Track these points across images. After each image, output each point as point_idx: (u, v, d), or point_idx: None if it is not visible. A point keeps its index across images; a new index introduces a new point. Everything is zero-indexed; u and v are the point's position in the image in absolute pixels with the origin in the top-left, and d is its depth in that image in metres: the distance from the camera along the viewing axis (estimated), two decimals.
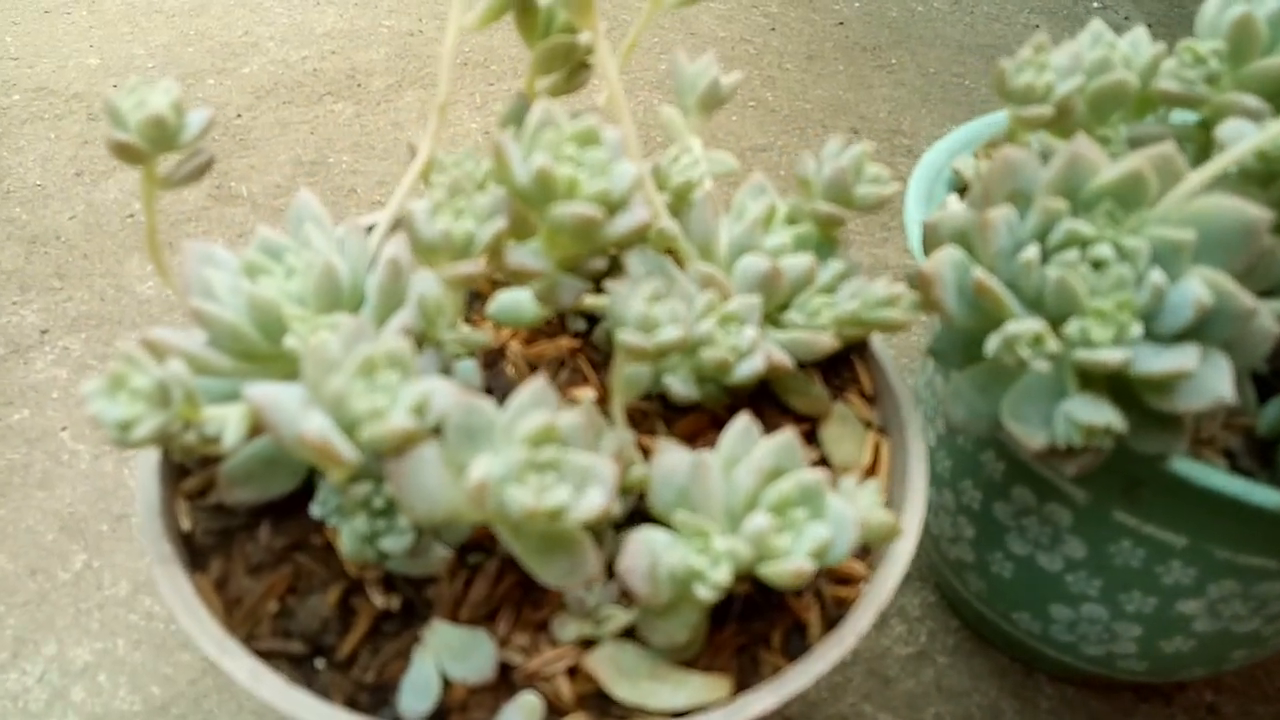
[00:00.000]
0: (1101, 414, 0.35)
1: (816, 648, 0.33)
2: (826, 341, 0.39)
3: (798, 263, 0.39)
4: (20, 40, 1.22)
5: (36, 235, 0.92)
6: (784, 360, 0.39)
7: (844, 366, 0.46)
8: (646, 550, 0.30)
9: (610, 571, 0.33)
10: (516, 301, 0.39)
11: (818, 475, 0.31)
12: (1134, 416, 0.38)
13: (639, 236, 0.31)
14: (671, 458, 0.31)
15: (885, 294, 0.39)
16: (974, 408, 0.40)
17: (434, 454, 0.26)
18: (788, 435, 0.32)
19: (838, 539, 0.30)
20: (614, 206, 0.30)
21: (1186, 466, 0.39)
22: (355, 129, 1.10)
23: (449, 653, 0.34)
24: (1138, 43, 0.42)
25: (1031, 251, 0.37)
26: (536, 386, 0.27)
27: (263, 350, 0.34)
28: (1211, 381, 0.35)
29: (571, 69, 0.46)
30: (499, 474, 0.25)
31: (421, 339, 0.36)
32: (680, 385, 0.37)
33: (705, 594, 0.29)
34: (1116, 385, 0.38)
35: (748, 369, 0.37)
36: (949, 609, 0.65)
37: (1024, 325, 0.35)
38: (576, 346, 0.43)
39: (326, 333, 0.28)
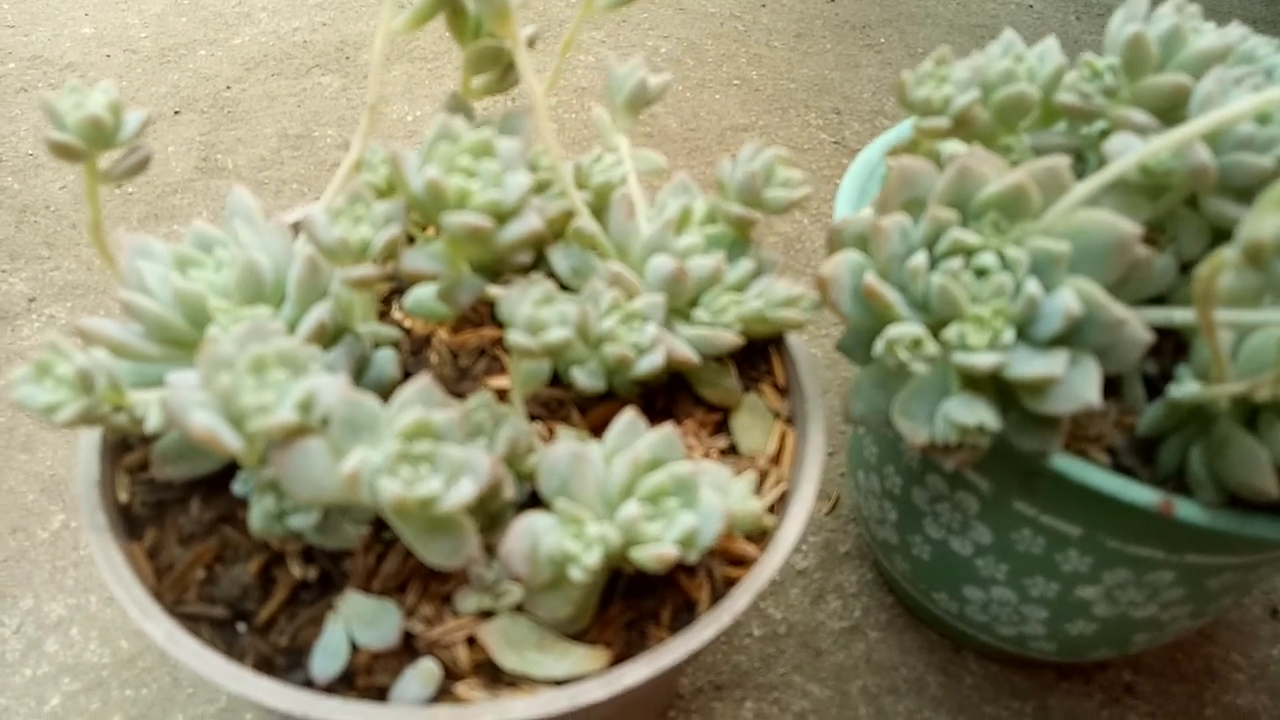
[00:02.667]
0: (975, 414, 0.38)
1: (694, 625, 0.36)
2: (729, 338, 0.41)
3: (705, 263, 0.41)
4: (17, 8, 1.24)
5: (27, 204, 0.94)
6: (689, 355, 0.41)
7: (761, 359, 0.48)
8: (528, 534, 0.32)
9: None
10: (426, 298, 0.41)
11: (690, 467, 0.33)
12: (1014, 416, 0.40)
13: (531, 243, 0.33)
14: (556, 449, 0.33)
15: (786, 294, 0.42)
16: (872, 403, 0.43)
17: (319, 445, 0.29)
18: (667, 430, 0.34)
19: (704, 528, 0.33)
20: (506, 215, 0.32)
21: (1066, 463, 0.41)
22: (342, 103, 1.12)
23: (359, 620, 0.36)
24: (1046, 54, 0.44)
25: (919, 259, 0.39)
26: (420, 384, 0.30)
27: (190, 338, 0.37)
28: (1079, 387, 0.37)
29: (503, 69, 0.47)
30: (374, 465, 0.28)
31: (340, 330, 0.38)
32: (586, 378, 0.40)
33: (578, 575, 0.31)
34: (999, 387, 0.40)
35: (648, 364, 0.39)
36: (884, 586, 0.68)
37: (904, 329, 0.38)
38: (499, 336, 0.45)
39: (221, 331, 0.31)
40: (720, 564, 0.40)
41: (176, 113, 1.08)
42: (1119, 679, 0.64)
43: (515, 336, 0.32)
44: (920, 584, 0.59)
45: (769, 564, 0.38)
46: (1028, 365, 0.37)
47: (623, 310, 0.39)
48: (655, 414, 0.45)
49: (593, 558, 0.31)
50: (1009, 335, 0.37)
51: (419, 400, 0.29)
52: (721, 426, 0.45)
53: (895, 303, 0.39)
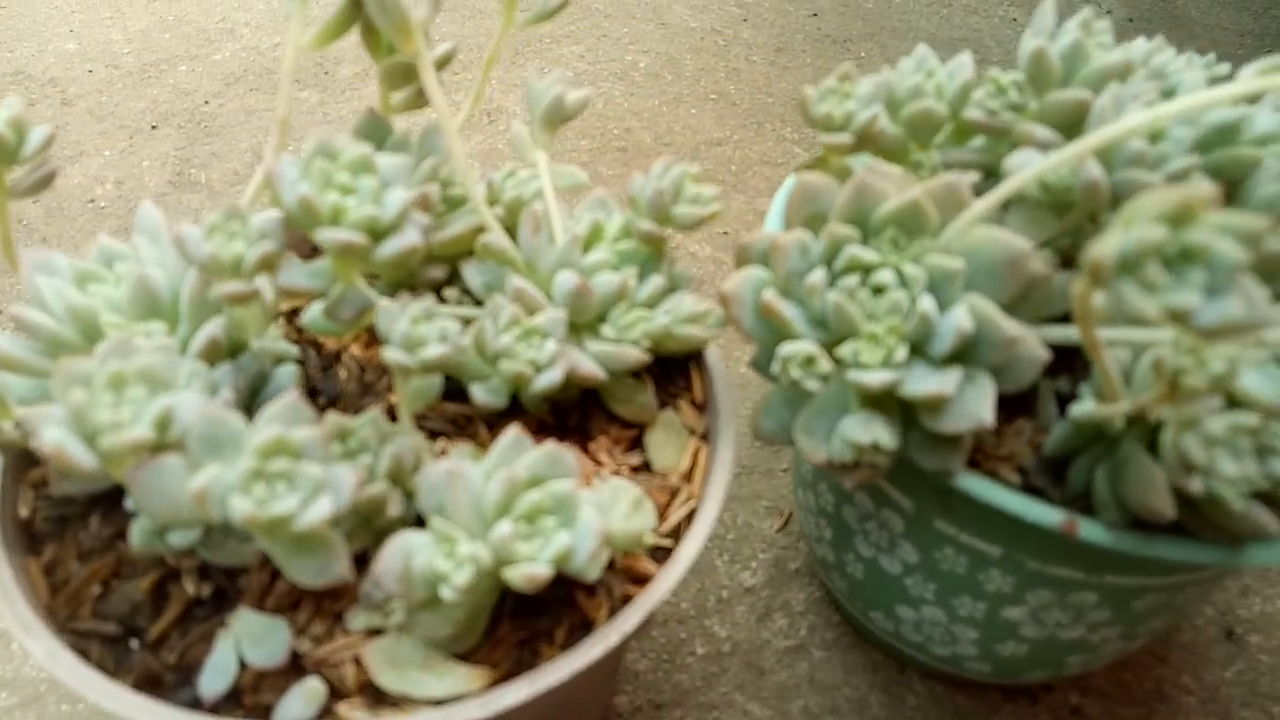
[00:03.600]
0: (870, 432, 0.37)
1: (580, 645, 0.36)
2: (635, 354, 0.41)
3: (611, 279, 0.41)
4: (3, 24, 1.25)
5: None
6: (594, 371, 0.41)
7: (680, 376, 0.48)
8: (402, 552, 0.32)
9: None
10: (318, 315, 0.41)
11: (569, 486, 0.33)
12: (917, 435, 0.40)
13: (410, 259, 0.33)
14: (435, 467, 0.33)
15: (692, 310, 0.41)
16: (781, 420, 0.42)
17: (178, 463, 0.29)
18: (550, 447, 0.34)
19: (580, 547, 0.32)
20: (384, 231, 0.32)
21: (971, 482, 0.41)
22: (318, 117, 1.13)
23: (249, 638, 0.36)
24: (956, 70, 0.44)
25: (817, 275, 0.38)
26: (285, 401, 0.30)
27: (84, 354, 0.37)
28: (973, 405, 0.37)
29: (420, 85, 0.47)
30: (227, 483, 0.28)
31: (238, 347, 0.38)
32: (485, 394, 0.40)
33: (448, 594, 0.31)
34: (902, 406, 0.39)
35: (546, 381, 0.39)
36: (832, 605, 0.67)
37: (797, 347, 0.37)
38: None
39: (74, 355, 0.31)
40: (622, 582, 0.40)
41: (154, 127, 1.09)
42: (1066, 701, 0.63)
43: (391, 353, 0.32)
44: (858, 603, 0.58)
45: (663, 583, 0.38)
46: (921, 383, 0.37)
47: (522, 326, 0.39)
48: (568, 430, 0.45)
49: (463, 577, 0.31)
50: (902, 353, 0.37)
51: (281, 417, 0.29)
52: (637, 443, 0.45)
53: (792, 320, 0.39)
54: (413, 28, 0.40)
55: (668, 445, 0.45)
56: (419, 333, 0.33)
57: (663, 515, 0.42)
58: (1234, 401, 0.34)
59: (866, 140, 0.42)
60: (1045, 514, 0.40)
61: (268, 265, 0.32)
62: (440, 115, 0.42)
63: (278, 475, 0.28)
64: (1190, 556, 0.38)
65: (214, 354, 0.36)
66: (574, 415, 0.45)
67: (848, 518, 0.54)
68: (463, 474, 0.32)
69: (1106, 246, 0.24)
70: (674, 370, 0.48)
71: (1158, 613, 0.48)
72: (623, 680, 0.62)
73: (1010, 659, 0.53)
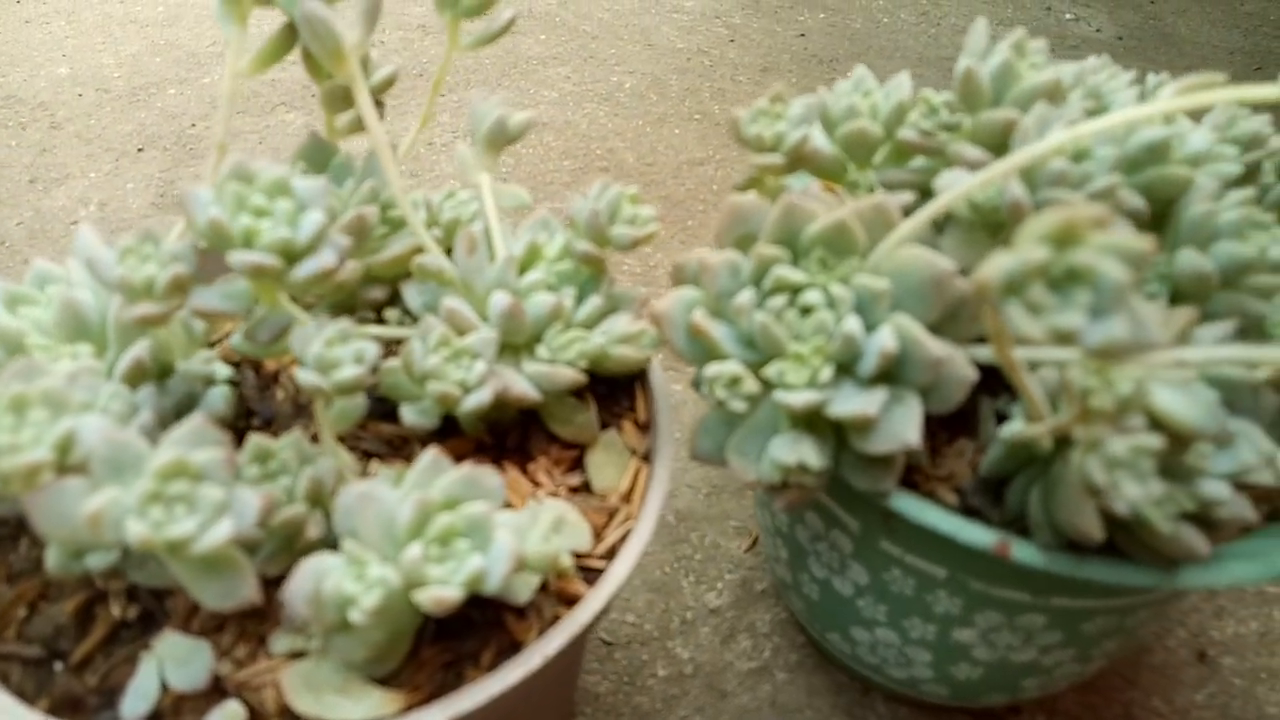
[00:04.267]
0: (796, 453, 0.37)
1: (502, 667, 0.35)
2: (569, 375, 0.41)
3: (544, 299, 0.41)
4: None
5: None
6: (528, 392, 0.41)
7: (625, 396, 0.48)
8: (313, 575, 0.32)
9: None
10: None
11: (484, 509, 0.33)
12: (850, 456, 0.39)
13: (324, 280, 0.33)
14: (350, 489, 0.33)
15: (625, 331, 0.41)
16: (717, 440, 0.42)
17: (78, 486, 0.29)
18: (467, 469, 0.34)
19: (492, 570, 0.32)
20: (299, 254, 0.33)
21: (905, 503, 0.40)
22: (303, 139, 1.14)
23: (172, 661, 0.36)
24: (893, 90, 0.44)
25: (745, 296, 0.38)
26: (192, 424, 0.30)
27: None
28: (899, 426, 0.36)
29: None
30: (124, 505, 0.28)
31: (167, 369, 0.38)
32: (414, 415, 0.40)
33: (357, 617, 0.31)
34: (836, 427, 0.39)
35: (473, 402, 0.39)
36: (797, 626, 0.67)
37: (722, 367, 0.37)
38: None
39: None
40: (554, 604, 0.40)
41: (140, 150, 1.10)
42: None
43: (304, 375, 0.32)
44: (816, 624, 0.58)
45: (590, 605, 0.38)
46: (846, 404, 0.36)
47: (451, 347, 0.39)
48: (506, 451, 0.45)
49: (371, 600, 0.31)
50: (827, 373, 0.37)
51: (185, 440, 0.29)
52: (578, 463, 0.45)
53: (721, 340, 0.38)
54: (346, 52, 0.40)
55: (608, 466, 0.44)
56: (333, 355, 0.33)
57: (599, 536, 0.42)
58: (1157, 423, 0.33)
59: (803, 160, 0.42)
60: (978, 535, 0.39)
61: (179, 288, 0.32)
62: (375, 138, 0.42)
63: (177, 498, 0.28)
64: (1124, 579, 0.38)
65: (138, 376, 0.36)
66: (514, 435, 0.45)
67: (800, 538, 0.53)
68: (374, 496, 0.32)
69: (991, 268, 0.24)
70: (619, 390, 0.48)
71: (1110, 635, 0.48)
72: (582, 703, 0.62)
73: (966, 682, 0.52)
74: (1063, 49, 1.45)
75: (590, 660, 0.64)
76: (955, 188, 0.36)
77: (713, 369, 0.37)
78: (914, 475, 0.43)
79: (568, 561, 0.34)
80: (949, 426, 0.45)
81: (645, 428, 0.47)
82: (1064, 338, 0.24)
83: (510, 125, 0.47)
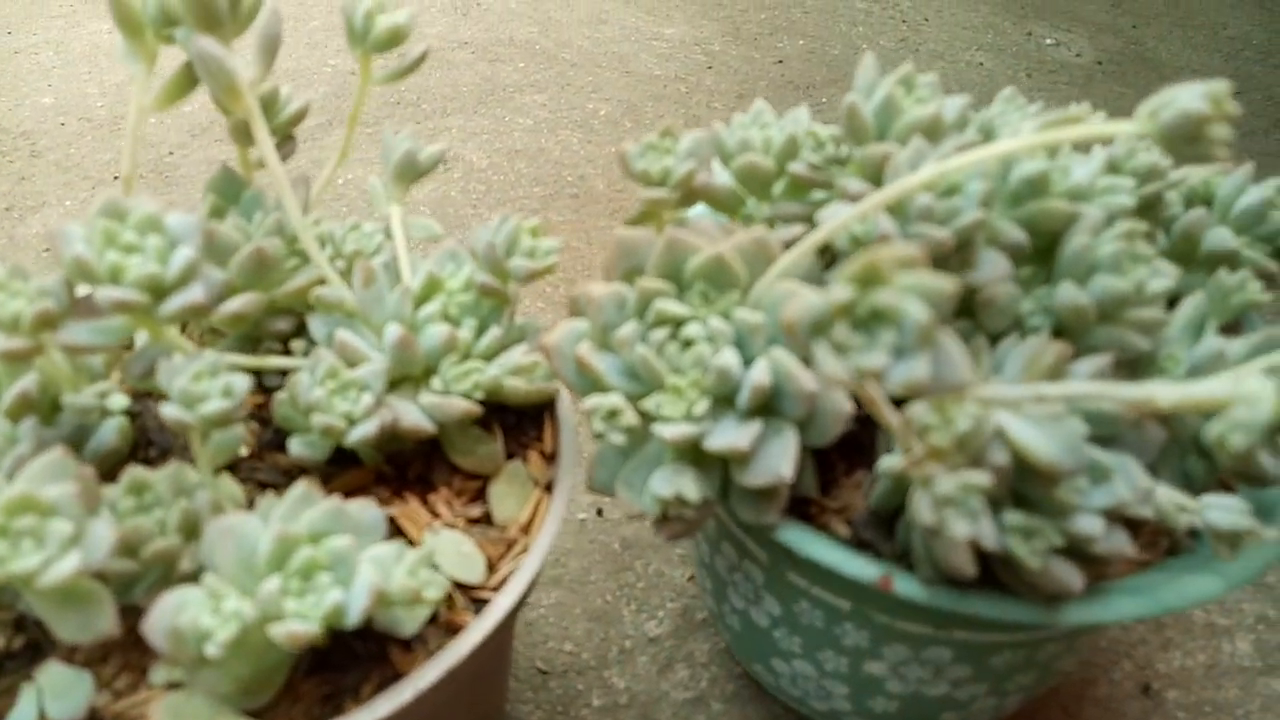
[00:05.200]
0: (673, 485, 0.37)
1: (373, 701, 0.35)
2: (460, 406, 0.42)
3: (437, 331, 0.42)
4: None
5: None
6: (419, 424, 0.41)
7: (534, 425, 0.48)
8: (171, 609, 0.32)
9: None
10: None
11: (347, 543, 0.33)
12: (736, 488, 0.40)
13: (194, 314, 0.33)
14: (215, 522, 0.33)
15: (518, 363, 0.42)
16: (612, 471, 0.42)
17: None
18: (333, 502, 0.34)
19: (352, 605, 0.32)
20: (168, 289, 0.33)
21: (790, 535, 0.40)
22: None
23: (52, 691, 0.36)
24: (788, 123, 0.44)
25: (628, 328, 0.39)
26: (49, 457, 0.30)
27: None
28: (774, 460, 0.36)
29: (278, 141, 0.49)
30: None
31: (55, 403, 0.39)
32: (300, 448, 0.40)
33: (212, 651, 0.31)
34: (724, 459, 0.39)
35: (358, 435, 0.39)
36: (734, 656, 0.66)
37: (600, 399, 0.37)
38: (261, 402, 0.46)
39: None
40: (441, 636, 0.40)
41: (116, 178, 1.12)
42: None
43: (169, 410, 0.33)
44: (741, 655, 0.58)
45: (468, 639, 0.38)
46: (721, 437, 0.37)
47: (339, 379, 0.39)
48: (408, 481, 0.45)
49: (227, 633, 0.31)
50: (702, 406, 0.37)
51: (38, 475, 0.30)
52: (481, 494, 0.45)
53: (604, 372, 0.39)
54: (241, 89, 0.41)
55: (509, 497, 0.45)
56: (199, 389, 0.33)
57: (494, 568, 0.42)
58: (1020, 459, 0.33)
59: (696, 194, 0.42)
60: (862, 569, 0.39)
61: (47, 323, 0.32)
62: (274, 172, 0.42)
63: (24, 532, 0.29)
64: (1005, 614, 0.37)
65: (23, 409, 0.37)
66: (416, 466, 0.45)
67: (720, 568, 0.53)
68: (234, 529, 0.32)
69: (795, 308, 0.24)
70: (526, 420, 0.48)
71: (1022, 670, 0.47)
72: None
73: (884, 715, 0.52)
74: (1042, 74, 1.45)
75: (524, 689, 0.64)
76: (831, 221, 0.36)
77: (591, 402, 0.37)
78: (810, 507, 0.43)
79: (435, 594, 0.34)
80: (848, 458, 0.45)
81: (552, 458, 0.47)
82: (870, 377, 0.24)
83: (420, 158, 0.48)
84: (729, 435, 0.36)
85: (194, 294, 0.33)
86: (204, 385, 0.33)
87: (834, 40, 1.51)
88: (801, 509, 0.43)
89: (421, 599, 0.33)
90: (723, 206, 0.45)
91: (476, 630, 0.38)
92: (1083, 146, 0.46)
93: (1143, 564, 0.42)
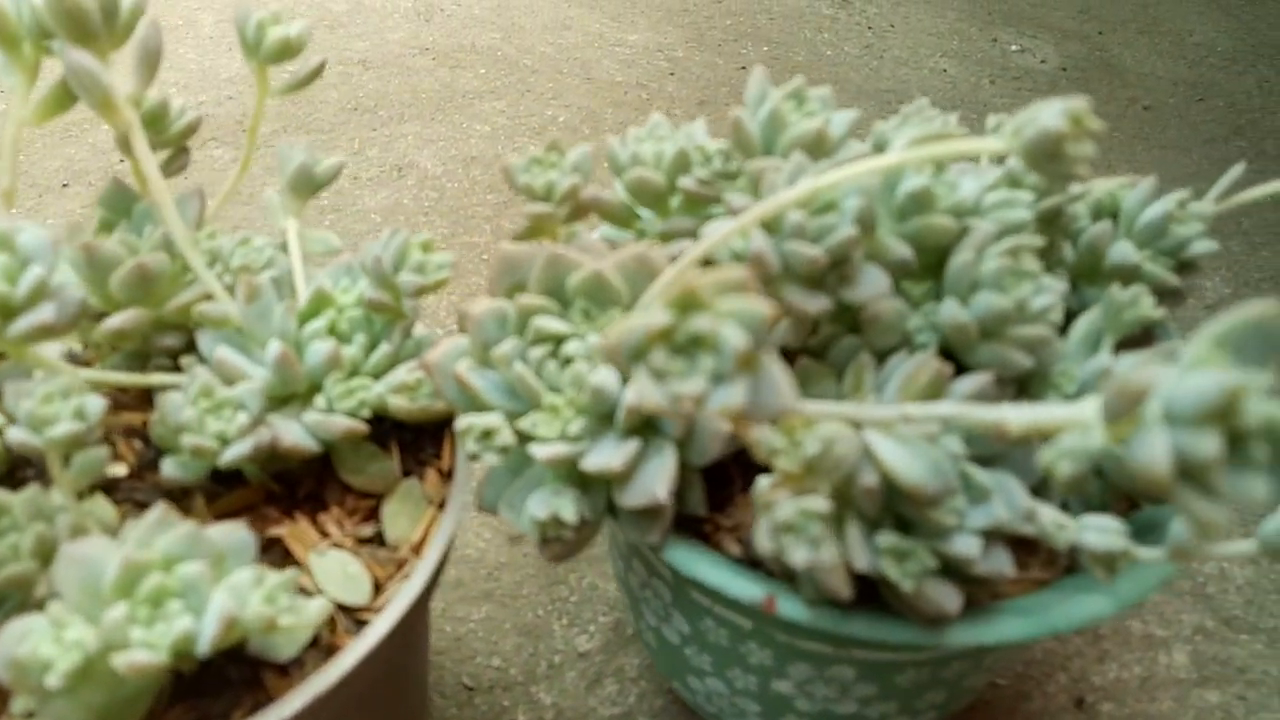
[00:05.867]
0: (550, 507, 0.36)
1: None
2: (342, 424, 0.41)
3: (320, 348, 0.41)
4: None
5: None
6: (300, 443, 0.41)
7: (433, 442, 0.47)
8: (14, 638, 0.31)
9: None
10: None
11: (199, 569, 0.32)
12: (620, 509, 0.39)
13: (45, 335, 0.33)
14: (64, 549, 0.32)
15: (402, 380, 0.41)
16: (499, 490, 0.42)
17: None
18: (188, 527, 0.33)
19: (203, 633, 0.32)
20: (17, 309, 0.32)
21: (675, 554, 0.39)
22: (229, 174, 1.14)
23: None
24: (683, 136, 0.43)
25: (508, 346, 0.38)
26: None
27: None
28: (650, 480, 0.36)
29: (171, 154, 0.48)
30: None
31: None
32: (172, 469, 0.39)
33: (53, 682, 0.30)
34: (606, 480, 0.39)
35: (232, 455, 0.38)
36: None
37: (475, 419, 0.37)
38: (142, 420, 0.45)
39: None
40: (320, 660, 0.39)
41: (65, 185, 1.11)
42: None
43: (15, 433, 0.32)
44: (662, 671, 0.57)
45: (340, 665, 0.37)
46: (595, 458, 0.36)
47: (213, 399, 0.39)
48: (298, 501, 0.44)
49: (68, 663, 0.30)
50: (577, 425, 0.36)
51: None
52: (375, 513, 0.44)
53: (482, 391, 0.38)
54: (116, 103, 0.40)
55: (402, 516, 0.44)
56: (48, 411, 0.32)
57: (382, 589, 0.42)
58: (893, 488, 0.32)
59: (585, 208, 0.42)
60: (745, 589, 0.38)
61: None
62: (154, 185, 0.42)
63: None
64: (886, 635, 0.37)
65: None
66: (308, 484, 0.44)
67: (633, 585, 0.53)
68: (80, 556, 0.32)
69: (611, 333, 0.24)
70: (425, 437, 0.47)
71: (929, 688, 0.47)
72: None
73: None
74: (1005, 80, 1.45)
75: (449, 707, 0.63)
76: (708, 238, 0.36)
77: (464, 422, 0.37)
78: (706, 525, 0.43)
79: (291, 620, 0.33)
80: (746, 474, 0.44)
81: (450, 476, 0.46)
82: (688, 404, 0.23)
83: (317, 172, 0.47)
84: (603, 455, 0.36)
85: (44, 314, 0.32)
86: (54, 407, 0.33)
87: (798, 47, 1.50)
88: (698, 527, 0.42)
89: (276, 626, 0.33)
90: (617, 220, 0.44)
91: (349, 655, 0.37)
92: (995, 159, 0.45)
93: (1042, 582, 0.41)
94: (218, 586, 0.33)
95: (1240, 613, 0.72)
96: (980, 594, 0.38)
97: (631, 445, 0.36)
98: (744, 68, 1.44)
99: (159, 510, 0.34)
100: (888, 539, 0.33)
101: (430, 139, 1.23)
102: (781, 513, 0.29)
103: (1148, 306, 0.39)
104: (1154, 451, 0.20)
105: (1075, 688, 0.67)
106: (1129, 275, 0.43)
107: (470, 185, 1.14)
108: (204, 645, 0.32)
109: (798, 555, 0.29)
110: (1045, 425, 0.26)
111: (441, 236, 1.07)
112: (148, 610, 0.32)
